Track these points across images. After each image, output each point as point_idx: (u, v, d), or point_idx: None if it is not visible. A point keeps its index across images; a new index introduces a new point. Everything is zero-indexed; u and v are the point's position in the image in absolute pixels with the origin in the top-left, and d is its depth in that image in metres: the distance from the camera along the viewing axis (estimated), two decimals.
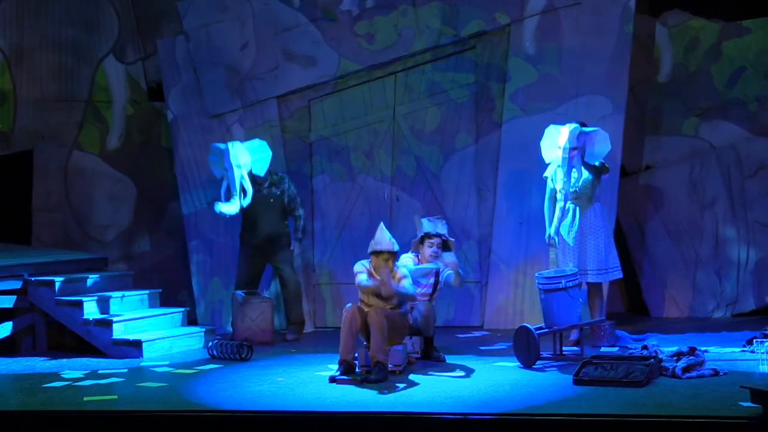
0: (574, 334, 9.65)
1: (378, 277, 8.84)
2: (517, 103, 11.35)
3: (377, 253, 8.88)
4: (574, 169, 9.82)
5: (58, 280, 10.44)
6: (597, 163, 9.91)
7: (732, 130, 11.59)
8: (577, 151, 9.79)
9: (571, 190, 9.84)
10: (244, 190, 10.70)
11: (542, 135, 10.08)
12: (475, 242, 11.52)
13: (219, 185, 10.98)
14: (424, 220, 9.62)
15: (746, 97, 11.55)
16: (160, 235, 12.67)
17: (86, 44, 12.71)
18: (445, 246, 9.50)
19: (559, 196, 9.96)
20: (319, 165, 11.92)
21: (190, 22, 11.96)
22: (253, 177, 10.80)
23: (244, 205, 10.73)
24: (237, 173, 10.66)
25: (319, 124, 11.94)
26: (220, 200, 10.82)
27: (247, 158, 10.75)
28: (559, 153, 9.82)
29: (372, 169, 11.80)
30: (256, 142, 10.91)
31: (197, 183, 11.92)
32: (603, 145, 9.89)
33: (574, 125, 9.85)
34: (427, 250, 9.44)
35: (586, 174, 9.86)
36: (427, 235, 9.44)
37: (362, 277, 8.87)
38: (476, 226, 11.53)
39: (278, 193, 10.93)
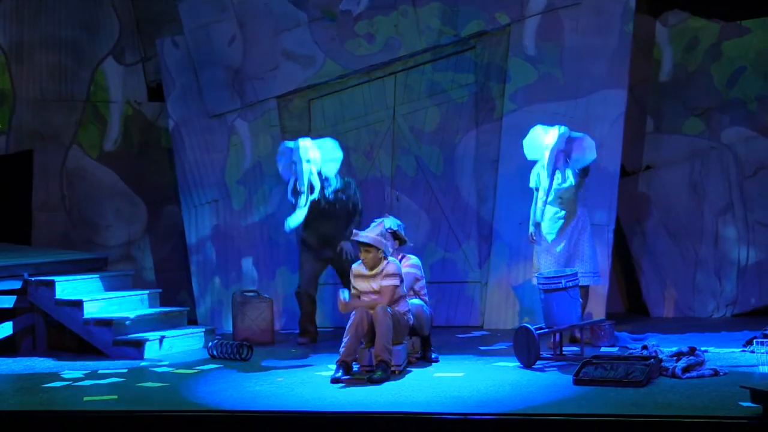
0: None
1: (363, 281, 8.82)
2: (517, 103, 11.35)
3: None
4: (557, 171, 9.79)
5: (60, 280, 10.45)
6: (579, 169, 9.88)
7: (732, 130, 11.59)
8: (563, 154, 9.77)
9: (555, 187, 9.79)
10: (312, 187, 10.30)
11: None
12: (475, 242, 11.52)
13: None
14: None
15: (746, 97, 11.54)
16: (160, 235, 12.66)
17: (86, 45, 12.71)
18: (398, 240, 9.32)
19: (541, 195, 9.88)
20: None
21: (189, 22, 11.96)
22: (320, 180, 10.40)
23: (312, 199, 10.30)
24: (306, 168, 10.27)
25: (319, 124, 11.94)
26: (286, 195, 10.51)
27: (317, 155, 10.38)
28: (546, 154, 9.81)
29: (372, 169, 11.80)
30: (329, 141, 10.55)
31: (197, 183, 11.92)
32: (589, 152, 9.86)
33: (563, 128, 9.83)
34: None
35: (570, 179, 9.84)
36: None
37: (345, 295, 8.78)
38: (476, 226, 11.53)
39: (344, 198, 10.53)
